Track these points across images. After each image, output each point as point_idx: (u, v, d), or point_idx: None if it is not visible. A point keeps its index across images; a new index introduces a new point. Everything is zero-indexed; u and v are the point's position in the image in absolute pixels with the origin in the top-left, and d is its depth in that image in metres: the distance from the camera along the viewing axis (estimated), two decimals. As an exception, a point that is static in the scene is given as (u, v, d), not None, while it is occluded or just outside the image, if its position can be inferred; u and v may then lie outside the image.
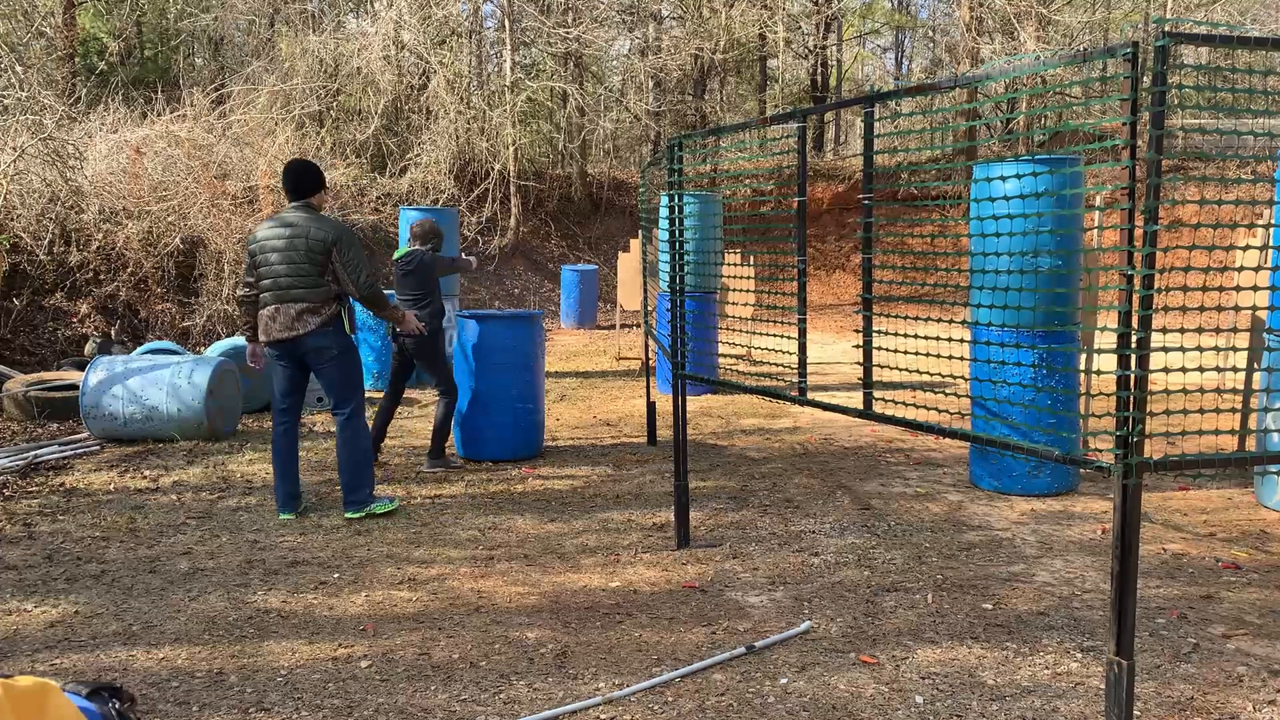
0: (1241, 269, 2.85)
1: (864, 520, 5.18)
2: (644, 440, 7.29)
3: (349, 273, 5.07)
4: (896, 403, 3.63)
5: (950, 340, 3.68)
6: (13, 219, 10.61)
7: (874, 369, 3.74)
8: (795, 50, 26.31)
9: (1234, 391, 6.05)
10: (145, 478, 6.19)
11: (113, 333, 10.46)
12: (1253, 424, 5.69)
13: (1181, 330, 3.05)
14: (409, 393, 9.19)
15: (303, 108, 16.40)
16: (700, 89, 23.97)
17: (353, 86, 18.33)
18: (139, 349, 8.66)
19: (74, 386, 7.90)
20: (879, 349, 3.75)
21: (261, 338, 5.19)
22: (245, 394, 7.96)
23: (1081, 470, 5.75)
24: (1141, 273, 2.54)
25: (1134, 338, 2.57)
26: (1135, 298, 2.56)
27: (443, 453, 6.43)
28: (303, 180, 5.21)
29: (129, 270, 10.99)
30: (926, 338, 3.48)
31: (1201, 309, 2.81)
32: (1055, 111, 19.44)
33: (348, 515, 5.26)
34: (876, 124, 3.55)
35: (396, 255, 6.49)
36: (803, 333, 4.18)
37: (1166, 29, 2.46)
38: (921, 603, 3.99)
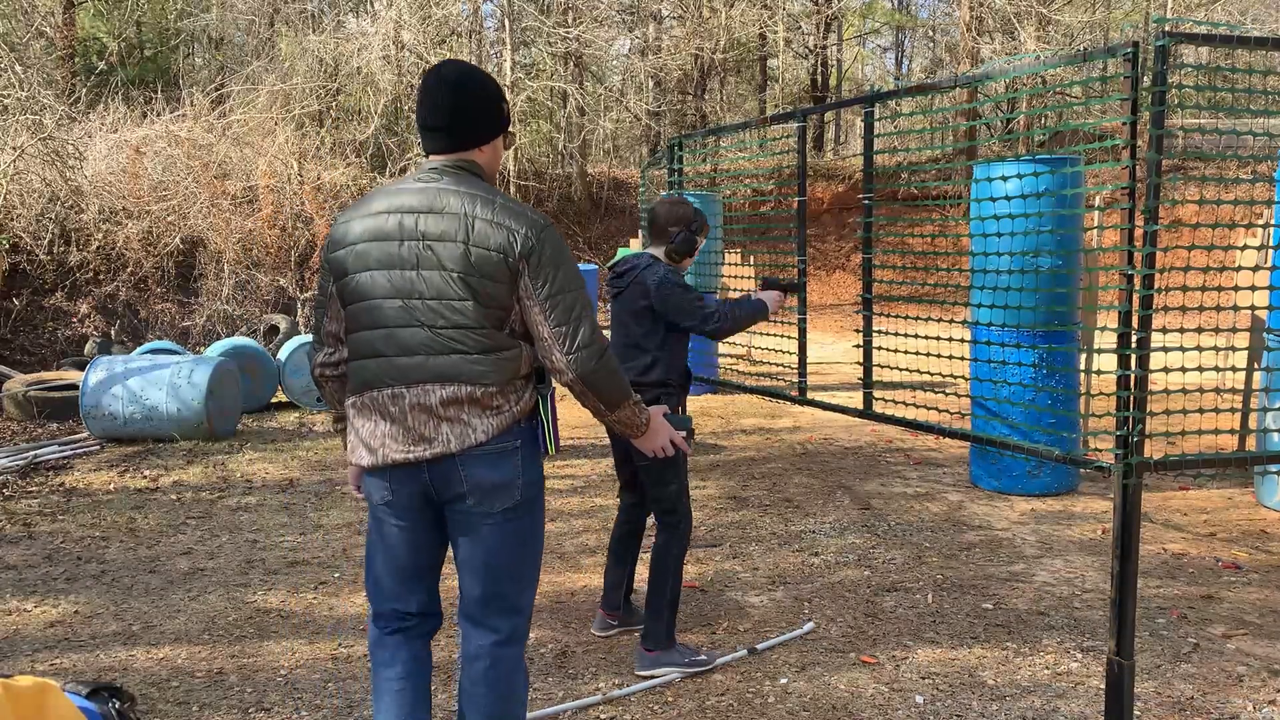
0: (1241, 269, 2.85)
1: (864, 520, 5.18)
2: (644, 440, 7.28)
3: (557, 319, 2.17)
4: (896, 403, 3.63)
5: (950, 340, 3.68)
6: (13, 219, 10.61)
7: (874, 369, 3.75)
8: (795, 50, 26.32)
9: (1234, 391, 6.05)
10: (145, 478, 6.19)
11: (113, 333, 10.46)
12: (1253, 424, 5.69)
13: (1181, 330, 3.05)
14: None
15: (303, 107, 16.40)
16: (700, 89, 23.97)
17: (353, 86, 18.33)
18: (139, 349, 8.66)
19: (74, 386, 7.90)
20: (879, 349, 3.75)
21: (361, 457, 2.26)
22: (245, 394, 7.96)
23: (1081, 470, 5.75)
24: (1141, 273, 2.54)
25: (1134, 338, 2.57)
26: (1135, 298, 2.56)
27: (672, 635, 3.38)
28: (469, 108, 2.25)
29: (129, 270, 11.00)
30: (926, 338, 3.48)
31: (1201, 309, 2.81)
32: (1055, 111, 19.43)
33: None
34: (876, 124, 3.56)
35: (611, 263, 3.61)
36: (803, 333, 4.19)
37: (1166, 29, 2.46)
38: (921, 603, 3.99)
